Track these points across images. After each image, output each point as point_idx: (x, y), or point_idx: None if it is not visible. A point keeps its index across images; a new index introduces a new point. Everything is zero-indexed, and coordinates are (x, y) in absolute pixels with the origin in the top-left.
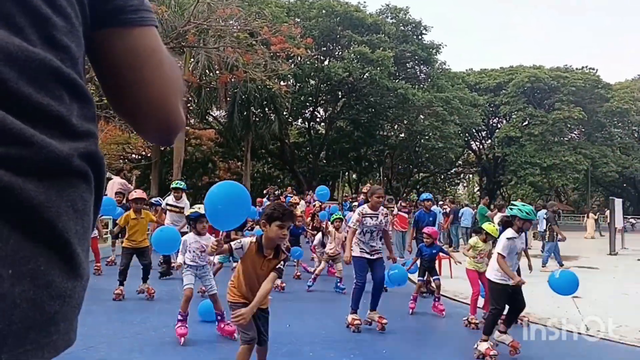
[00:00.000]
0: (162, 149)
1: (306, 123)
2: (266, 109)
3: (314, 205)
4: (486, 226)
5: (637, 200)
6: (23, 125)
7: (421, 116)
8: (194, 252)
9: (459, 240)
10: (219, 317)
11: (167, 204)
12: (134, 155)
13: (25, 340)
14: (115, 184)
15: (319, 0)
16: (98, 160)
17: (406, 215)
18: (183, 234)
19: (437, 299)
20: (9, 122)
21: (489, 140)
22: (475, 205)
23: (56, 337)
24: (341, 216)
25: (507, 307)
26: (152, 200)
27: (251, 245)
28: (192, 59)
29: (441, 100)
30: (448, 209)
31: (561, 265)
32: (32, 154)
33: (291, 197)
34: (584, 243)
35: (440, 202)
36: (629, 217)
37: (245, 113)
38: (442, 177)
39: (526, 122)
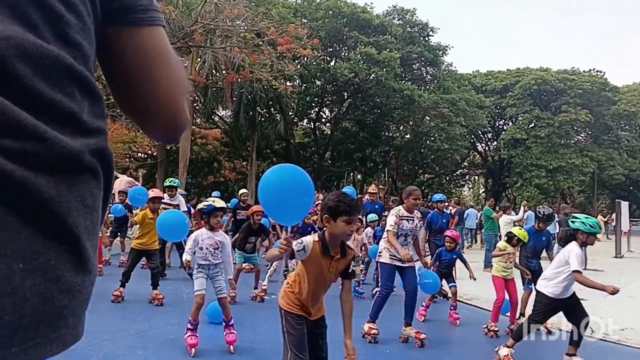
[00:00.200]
0: (168, 148)
1: (312, 123)
2: (272, 109)
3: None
4: (517, 231)
5: None
6: (37, 121)
7: (427, 117)
8: (207, 249)
9: (464, 242)
10: (224, 324)
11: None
12: (140, 154)
13: (35, 334)
14: (122, 182)
15: (326, 1)
16: (107, 157)
17: None
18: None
19: (453, 307)
20: (23, 117)
21: (495, 142)
22: (480, 207)
23: (65, 332)
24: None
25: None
26: None
27: (314, 244)
28: (198, 59)
29: (447, 101)
30: (453, 211)
31: None
32: (45, 150)
33: None
34: (591, 245)
35: (446, 204)
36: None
37: (251, 113)
38: (448, 178)
39: (532, 125)
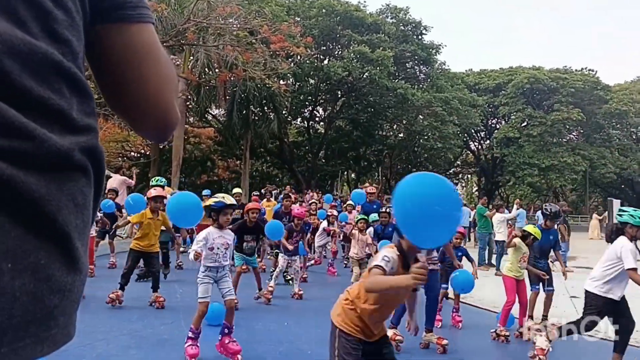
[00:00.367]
0: (161, 147)
1: (305, 122)
2: (265, 108)
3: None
4: (531, 229)
5: (635, 202)
6: (25, 119)
7: (420, 116)
8: (217, 249)
9: None
10: (225, 330)
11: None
12: (133, 153)
13: (25, 334)
14: (116, 181)
15: (319, 0)
16: (98, 155)
17: None
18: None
19: (455, 310)
20: (11, 115)
21: (488, 141)
22: (473, 205)
23: (55, 331)
24: (365, 217)
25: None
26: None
27: (397, 259)
28: (191, 57)
29: (440, 100)
30: None
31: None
32: (34, 148)
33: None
34: (585, 244)
35: None
36: None
37: (244, 112)
38: None
39: (525, 123)
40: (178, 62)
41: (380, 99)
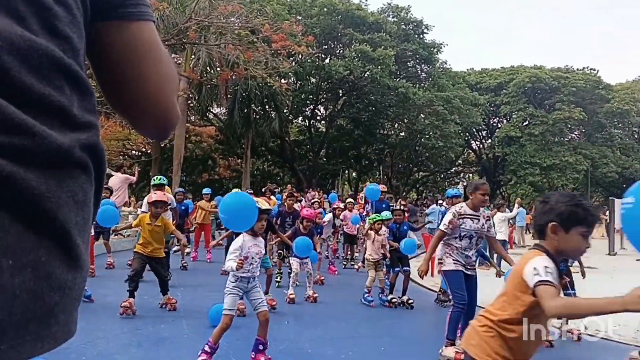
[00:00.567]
0: (162, 145)
1: (306, 121)
2: (267, 107)
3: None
4: None
5: None
6: (25, 115)
7: (422, 115)
8: (252, 258)
9: None
10: (260, 347)
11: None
12: (134, 152)
13: (25, 332)
14: (118, 179)
15: None
16: (99, 152)
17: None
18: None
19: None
20: (10, 111)
21: (489, 140)
22: None
23: (56, 329)
24: (381, 217)
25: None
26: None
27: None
28: (193, 56)
29: (442, 99)
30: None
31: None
32: (34, 145)
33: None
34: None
35: (440, 201)
36: None
37: (245, 110)
38: (442, 176)
39: (526, 122)
40: (180, 61)
41: (382, 97)
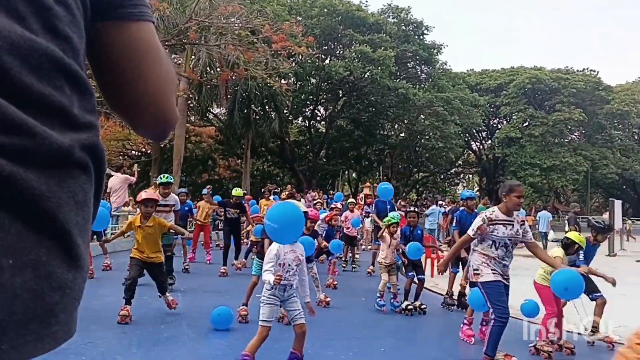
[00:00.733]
0: (162, 145)
1: (306, 121)
2: (267, 107)
3: (316, 204)
4: (576, 236)
5: (637, 202)
6: (25, 115)
7: (422, 116)
8: (289, 265)
9: None
10: None
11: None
12: (133, 152)
13: (26, 331)
14: (118, 179)
15: None
16: (99, 152)
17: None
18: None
19: (470, 323)
20: (11, 111)
21: (489, 141)
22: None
23: (56, 329)
24: (397, 220)
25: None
26: None
27: None
28: (193, 56)
29: (442, 100)
30: (448, 209)
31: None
32: (34, 145)
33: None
34: None
35: (440, 202)
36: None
37: (245, 111)
38: (442, 177)
39: (526, 123)
40: (180, 61)
41: (382, 98)
